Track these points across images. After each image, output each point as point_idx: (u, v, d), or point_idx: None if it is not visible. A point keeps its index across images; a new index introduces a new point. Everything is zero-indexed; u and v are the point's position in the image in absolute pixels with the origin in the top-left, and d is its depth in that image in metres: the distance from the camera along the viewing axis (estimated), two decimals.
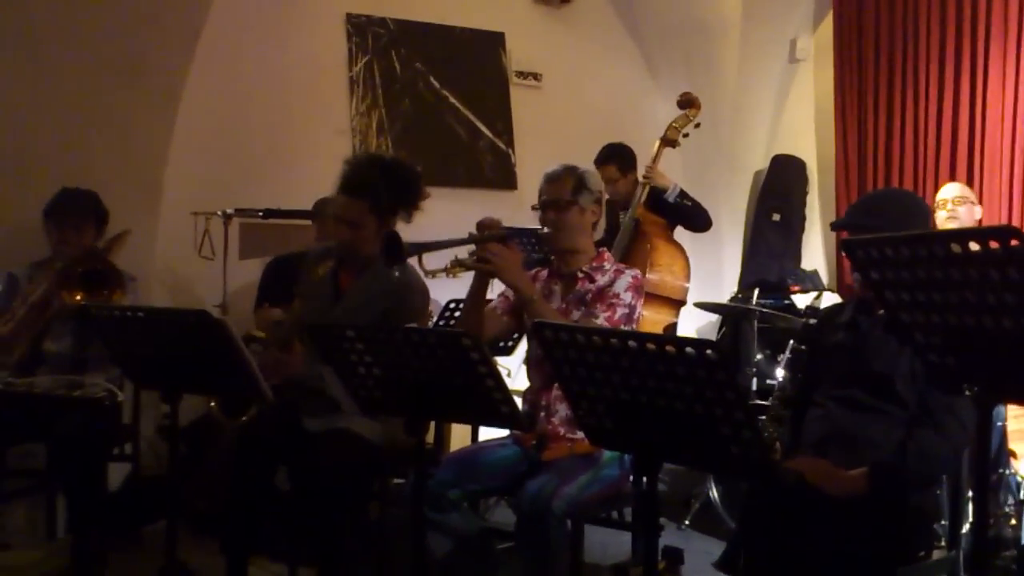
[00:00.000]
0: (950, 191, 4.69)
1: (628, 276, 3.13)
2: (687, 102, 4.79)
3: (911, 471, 2.52)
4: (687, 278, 4.76)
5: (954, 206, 4.58)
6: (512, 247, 3.02)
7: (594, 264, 3.20)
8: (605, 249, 3.31)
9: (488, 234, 2.99)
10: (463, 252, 3.01)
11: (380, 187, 3.27)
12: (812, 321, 3.62)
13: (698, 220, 4.90)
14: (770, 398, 3.85)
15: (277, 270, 4.42)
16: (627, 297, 3.09)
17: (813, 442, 2.70)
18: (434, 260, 2.88)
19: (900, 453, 2.54)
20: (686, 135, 4.77)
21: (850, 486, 2.52)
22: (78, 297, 3.64)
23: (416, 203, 3.38)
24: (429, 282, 2.88)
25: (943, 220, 4.61)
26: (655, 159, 4.73)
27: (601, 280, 3.15)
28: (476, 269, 2.99)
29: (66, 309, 3.69)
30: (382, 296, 3.29)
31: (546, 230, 3.18)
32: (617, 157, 4.95)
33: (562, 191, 3.14)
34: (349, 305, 3.35)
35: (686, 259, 4.81)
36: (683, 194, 4.78)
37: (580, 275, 3.18)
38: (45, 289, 3.71)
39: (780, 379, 4.01)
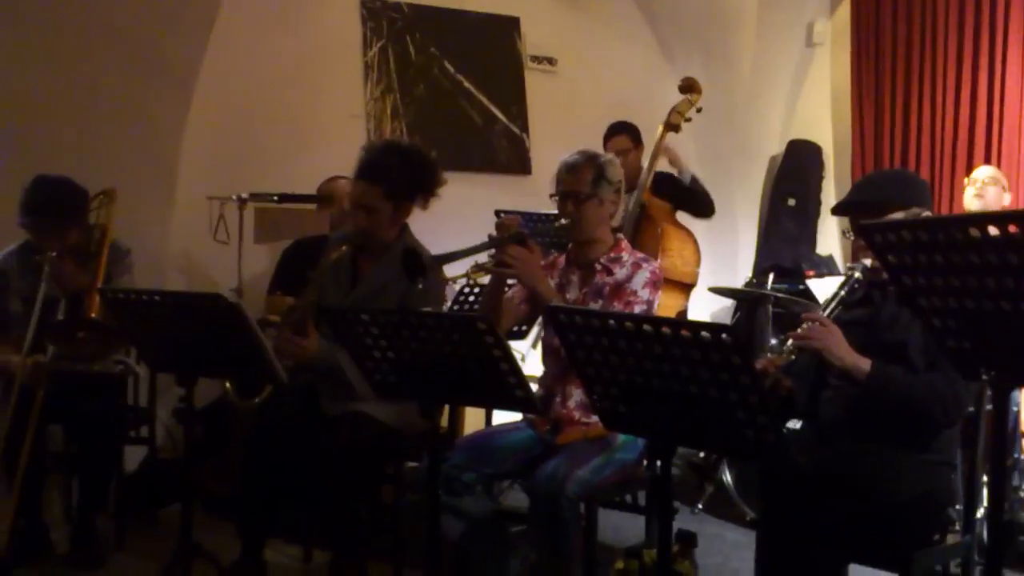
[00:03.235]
0: (983, 172, 4.74)
1: (646, 272, 3.10)
2: (688, 87, 4.83)
3: (910, 390, 2.52)
4: (697, 262, 4.77)
5: (984, 185, 4.60)
6: (532, 247, 3.00)
7: (612, 255, 3.16)
8: (622, 236, 3.28)
9: (507, 236, 2.99)
10: (481, 255, 3.03)
11: (395, 172, 3.27)
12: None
13: (707, 205, 4.94)
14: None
15: (296, 254, 4.42)
16: (644, 294, 3.07)
17: (829, 423, 2.70)
18: (452, 266, 2.93)
19: (908, 375, 2.56)
20: (688, 120, 4.81)
21: (852, 362, 2.52)
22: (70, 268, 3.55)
23: (432, 190, 3.36)
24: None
25: (970, 197, 4.65)
26: (659, 144, 4.73)
27: (619, 274, 3.12)
28: (497, 274, 3.01)
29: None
30: (399, 282, 3.29)
31: (564, 221, 3.15)
32: (628, 129, 5.02)
33: (581, 183, 3.10)
34: (365, 291, 3.35)
35: (695, 242, 4.82)
36: (694, 178, 4.80)
37: (598, 267, 3.15)
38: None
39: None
